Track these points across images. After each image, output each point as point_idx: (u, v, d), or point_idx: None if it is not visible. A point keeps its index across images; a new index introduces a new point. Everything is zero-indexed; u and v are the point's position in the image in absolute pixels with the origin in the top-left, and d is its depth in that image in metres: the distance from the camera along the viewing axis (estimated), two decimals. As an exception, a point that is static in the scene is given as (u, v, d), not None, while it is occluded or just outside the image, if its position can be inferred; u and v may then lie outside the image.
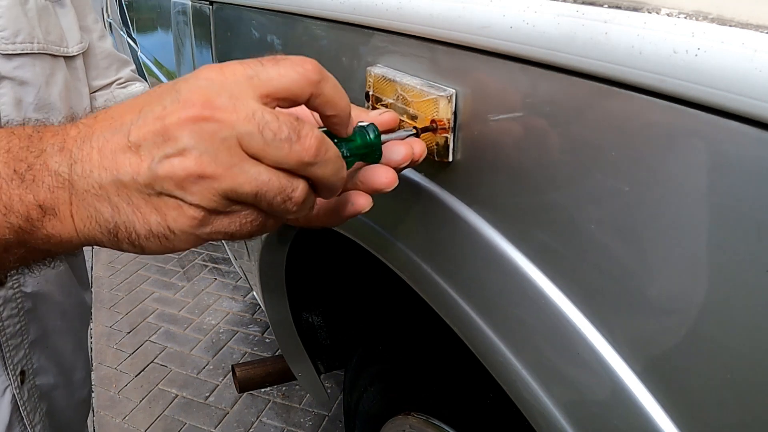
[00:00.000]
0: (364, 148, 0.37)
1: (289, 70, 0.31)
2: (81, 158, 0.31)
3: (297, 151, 0.30)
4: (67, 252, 0.36)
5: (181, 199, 0.30)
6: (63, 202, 0.32)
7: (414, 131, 0.42)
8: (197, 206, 0.30)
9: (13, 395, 0.63)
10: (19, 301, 0.63)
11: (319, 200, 0.36)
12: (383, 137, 0.38)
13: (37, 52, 0.60)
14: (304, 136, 0.30)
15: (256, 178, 0.30)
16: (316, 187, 0.33)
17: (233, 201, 0.31)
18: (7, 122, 0.56)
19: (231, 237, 0.32)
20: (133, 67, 0.85)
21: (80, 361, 0.79)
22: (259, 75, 0.31)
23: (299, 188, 0.32)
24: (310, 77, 0.31)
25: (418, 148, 0.40)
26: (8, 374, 0.62)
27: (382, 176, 0.37)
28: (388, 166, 0.38)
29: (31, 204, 0.32)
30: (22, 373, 0.64)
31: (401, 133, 0.41)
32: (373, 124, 0.37)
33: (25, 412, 0.65)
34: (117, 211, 0.31)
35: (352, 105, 0.37)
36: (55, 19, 0.64)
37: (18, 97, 0.58)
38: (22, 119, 0.57)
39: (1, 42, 0.57)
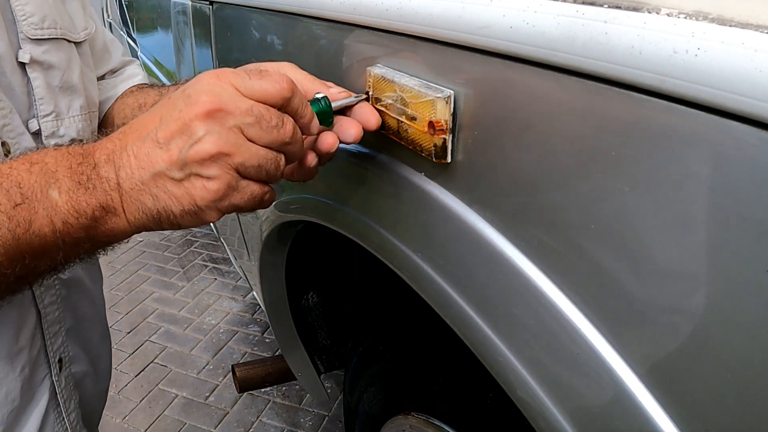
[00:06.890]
0: (318, 115, 0.46)
1: (268, 86, 0.41)
2: (122, 165, 0.41)
3: (281, 134, 0.41)
4: (121, 240, 0.46)
5: (206, 177, 0.40)
6: (116, 201, 0.42)
7: (364, 96, 0.51)
8: (218, 181, 0.40)
9: (52, 383, 0.63)
10: (57, 287, 0.63)
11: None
12: (336, 103, 0.48)
13: (59, 37, 0.62)
14: (285, 124, 0.41)
15: (257, 154, 0.41)
16: (287, 157, 0.44)
17: (242, 176, 0.41)
18: (42, 101, 0.59)
19: (241, 209, 0.43)
20: (123, 49, 0.84)
21: (105, 350, 0.79)
22: (245, 85, 0.40)
23: (281, 159, 0.43)
24: (283, 94, 0.41)
25: (372, 120, 0.49)
26: (48, 362, 0.62)
27: (326, 142, 0.47)
28: (344, 142, 0.48)
29: (96, 206, 0.41)
30: (60, 361, 0.64)
31: (351, 99, 0.49)
32: (326, 96, 0.47)
33: (62, 400, 0.64)
34: (156, 199, 0.41)
35: (315, 78, 0.49)
36: (62, 5, 0.65)
37: (47, 81, 0.60)
38: (53, 101, 0.60)
39: (31, 27, 0.58)
